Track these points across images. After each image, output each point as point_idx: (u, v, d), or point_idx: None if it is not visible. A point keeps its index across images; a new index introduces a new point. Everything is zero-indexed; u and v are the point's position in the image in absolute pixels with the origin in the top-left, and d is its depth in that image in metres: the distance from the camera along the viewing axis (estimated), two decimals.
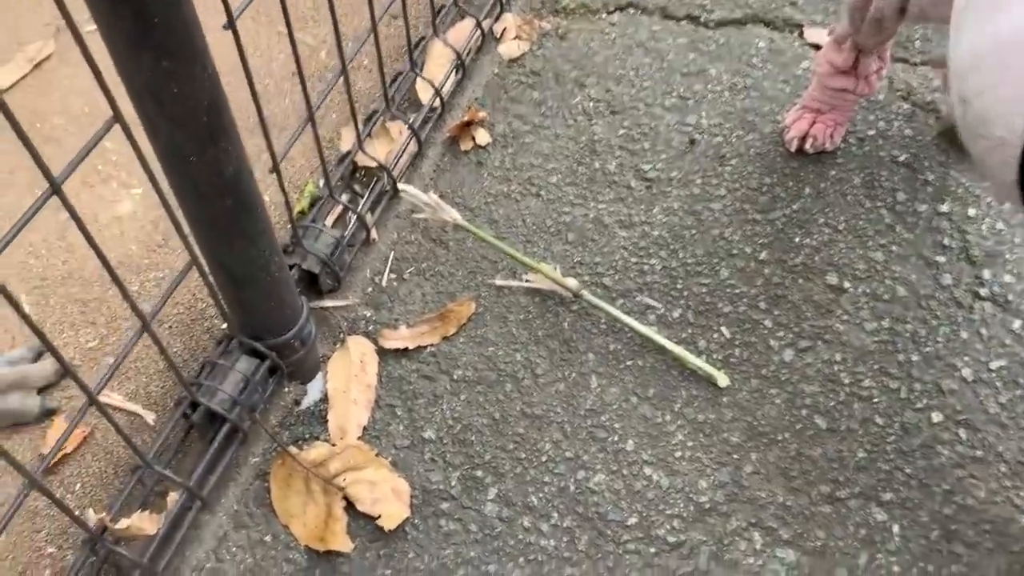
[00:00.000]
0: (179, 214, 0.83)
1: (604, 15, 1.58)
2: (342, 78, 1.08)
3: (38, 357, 1.14)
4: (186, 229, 0.84)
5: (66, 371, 0.71)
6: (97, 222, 1.30)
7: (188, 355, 1.15)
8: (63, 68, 1.54)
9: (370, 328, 1.18)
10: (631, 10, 1.58)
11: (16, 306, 0.65)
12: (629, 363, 1.13)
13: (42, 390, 1.11)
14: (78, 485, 1.05)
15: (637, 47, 1.52)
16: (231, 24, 0.80)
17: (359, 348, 1.15)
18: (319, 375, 1.13)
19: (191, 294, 1.22)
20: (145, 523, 0.91)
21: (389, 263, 1.25)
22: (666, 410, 1.09)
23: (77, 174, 1.45)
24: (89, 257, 1.25)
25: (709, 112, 1.40)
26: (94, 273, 1.24)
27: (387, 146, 1.27)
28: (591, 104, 1.43)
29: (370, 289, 1.22)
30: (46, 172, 0.63)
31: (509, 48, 1.51)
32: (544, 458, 1.06)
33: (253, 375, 1.00)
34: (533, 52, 1.52)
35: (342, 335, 1.17)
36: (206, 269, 0.88)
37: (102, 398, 1.10)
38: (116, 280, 0.76)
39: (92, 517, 0.96)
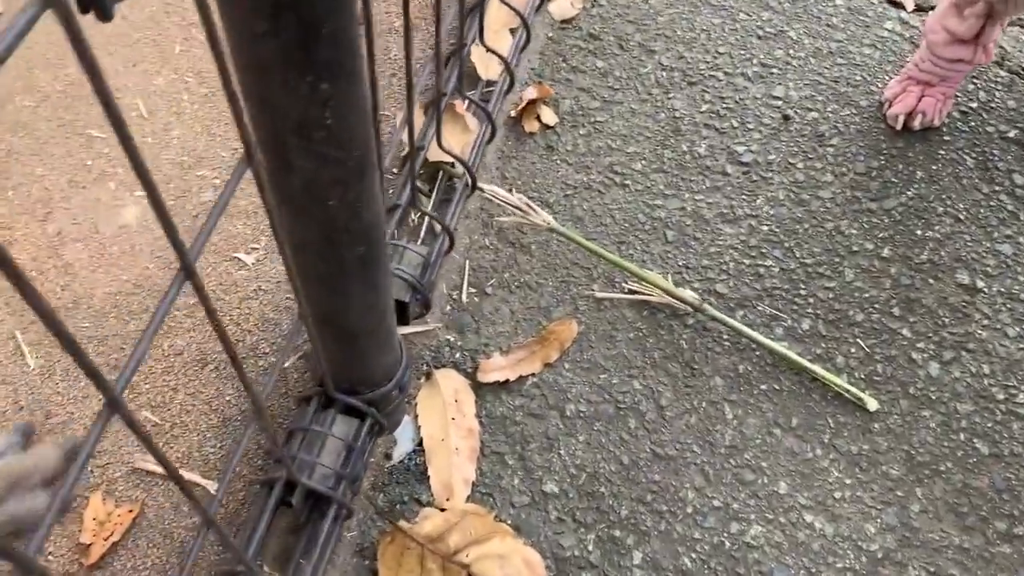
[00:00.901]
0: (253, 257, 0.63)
1: None
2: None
3: (29, 439, 0.90)
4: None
5: (139, 437, 0.51)
6: (99, 234, 1.06)
7: (241, 405, 0.95)
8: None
9: (457, 356, 1.00)
10: None
11: (134, 426, 0.45)
12: (764, 387, 0.99)
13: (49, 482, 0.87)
14: None
15: (703, 4, 1.34)
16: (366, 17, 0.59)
17: (450, 383, 0.97)
18: (406, 419, 0.95)
19: (232, 320, 1.01)
20: None
21: (467, 275, 1.06)
22: (815, 442, 0.96)
23: (63, 175, 1.19)
24: (96, 281, 1.02)
25: (797, 82, 1.25)
26: (107, 301, 1.01)
27: (455, 135, 1.07)
28: (664, 74, 1.26)
29: (449, 308, 1.04)
30: (179, 248, 0.43)
31: (561, 6, 1.31)
32: (689, 509, 0.92)
33: (354, 440, 0.82)
34: (587, 11, 1.33)
35: (426, 367, 0.99)
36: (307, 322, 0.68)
37: (144, 466, 0.90)
38: (241, 374, 0.56)
39: None
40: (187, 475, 0.89)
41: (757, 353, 1.01)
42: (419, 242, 1.02)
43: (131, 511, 0.87)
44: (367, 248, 0.66)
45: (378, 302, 0.72)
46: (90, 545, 0.85)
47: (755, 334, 1.00)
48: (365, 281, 0.69)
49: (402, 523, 0.87)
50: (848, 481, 0.93)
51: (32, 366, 0.97)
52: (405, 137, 0.92)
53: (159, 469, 0.90)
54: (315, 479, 0.79)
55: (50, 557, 0.85)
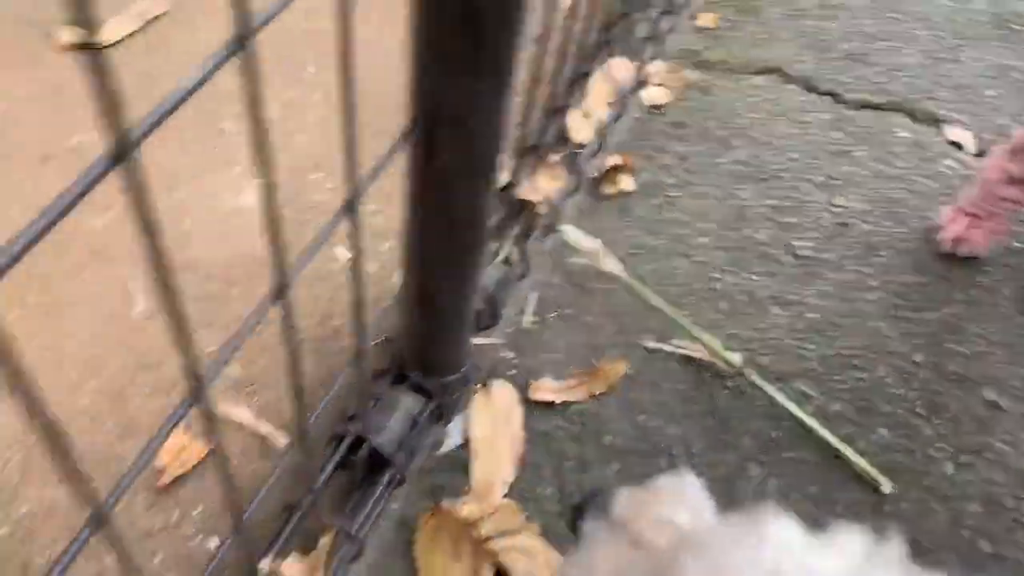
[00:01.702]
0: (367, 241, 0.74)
1: (747, 76, 1.53)
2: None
3: None
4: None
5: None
6: (217, 211, 1.19)
7: (321, 377, 1.05)
8: (176, 28, 1.43)
9: (512, 373, 1.10)
10: (774, 75, 1.54)
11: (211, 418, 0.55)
12: (790, 455, 1.07)
13: None
14: (199, 507, 0.93)
15: (781, 115, 1.47)
16: None
17: (503, 394, 1.06)
18: (457, 418, 1.04)
19: (320, 312, 1.11)
20: (304, 570, 0.80)
21: (532, 305, 1.16)
22: (827, 512, 1.03)
23: (188, 156, 1.34)
24: (211, 249, 1.14)
25: (857, 196, 1.36)
26: (217, 269, 1.13)
27: (544, 181, 1.19)
28: (738, 167, 1.38)
29: (511, 330, 1.14)
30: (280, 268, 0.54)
31: (652, 94, 1.45)
32: None
33: (419, 415, 0.91)
34: (677, 102, 1.46)
35: (484, 376, 1.08)
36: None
37: (226, 413, 0.99)
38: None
39: (212, 545, 0.86)
40: (262, 427, 0.99)
41: (787, 424, 1.09)
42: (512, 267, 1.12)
43: (205, 448, 0.97)
44: (476, 239, 0.76)
45: (469, 292, 0.83)
46: (164, 470, 0.94)
47: (790, 404, 1.08)
48: (469, 264, 0.80)
49: (444, 503, 0.95)
50: None
51: (139, 309, 1.08)
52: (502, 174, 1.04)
53: (241, 419, 1.00)
54: (381, 441, 0.88)
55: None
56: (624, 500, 0.56)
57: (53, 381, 1.01)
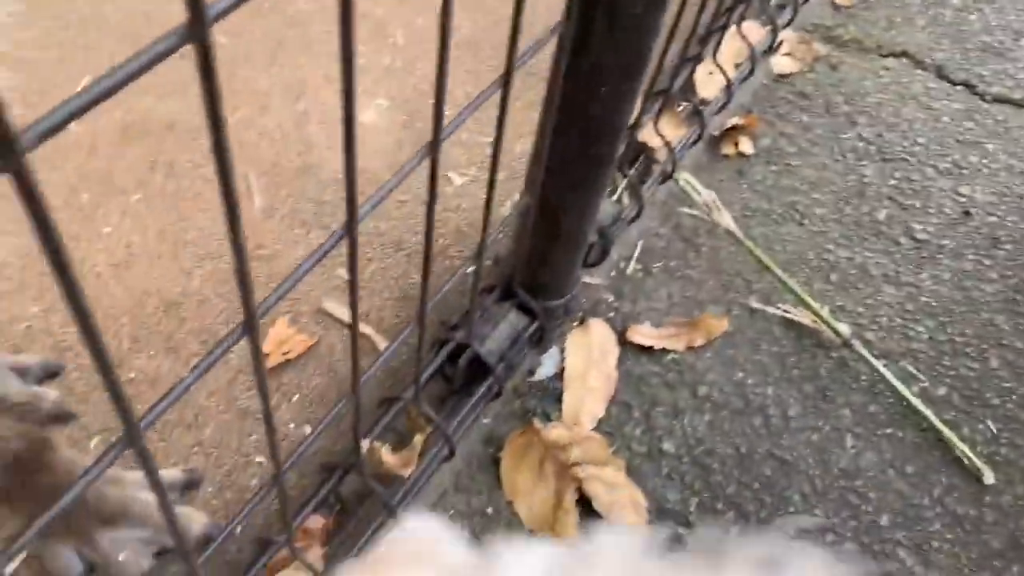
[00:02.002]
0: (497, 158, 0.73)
1: (878, 57, 1.48)
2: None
3: (47, 375, 0.94)
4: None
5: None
6: (338, 124, 1.21)
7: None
8: None
9: (611, 315, 1.09)
10: (905, 59, 1.49)
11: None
12: (888, 431, 1.03)
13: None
14: (296, 396, 0.95)
15: (911, 99, 1.42)
16: None
17: (600, 331, 1.06)
18: (553, 348, 1.04)
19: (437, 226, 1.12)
20: (397, 462, 0.81)
21: (637, 252, 1.15)
22: (925, 493, 0.99)
23: (319, 69, 1.36)
24: (326, 159, 1.16)
25: (984, 188, 1.30)
26: (332, 176, 1.14)
27: (667, 128, 1.17)
28: (861, 144, 1.34)
29: (614, 273, 1.13)
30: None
31: (781, 64, 1.41)
32: (791, 509, 0.96)
33: (522, 332, 0.91)
34: (804, 73, 1.43)
35: (582, 313, 1.07)
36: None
37: (331, 312, 1.01)
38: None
39: (306, 432, 0.88)
40: (363, 328, 1.00)
41: (889, 401, 1.05)
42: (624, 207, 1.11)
43: (307, 342, 0.98)
44: (610, 152, 0.76)
45: (591, 213, 0.82)
46: (267, 355, 0.96)
47: (896, 381, 1.05)
48: (592, 185, 0.79)
49: (535, 422, 0.95)
50: (948, 536, 0.96)
51: (257, 205, 1.10)
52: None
53: (338, 314, 1.01)
54: (484, 350, 0.88)
55: (231, 354, 0.97)
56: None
57: (169, 263, 1.04)
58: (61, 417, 0.90)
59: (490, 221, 0.71)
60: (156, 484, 0.49)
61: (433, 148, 0.53)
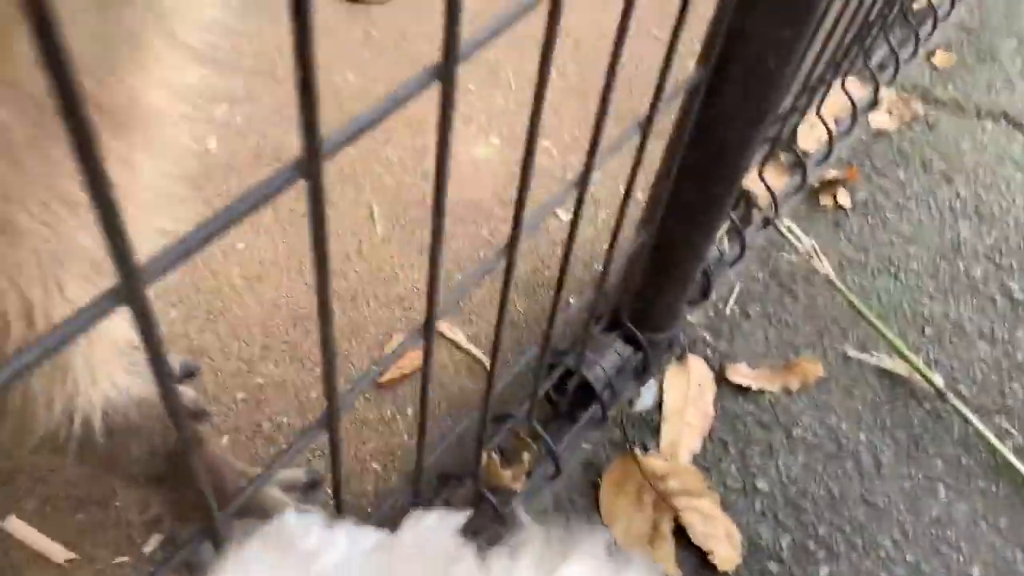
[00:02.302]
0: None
1: (976, 118, 1.51)
2: None
3: (185, 375, 1.01)
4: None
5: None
6: (454, 158, 1.28)
7: (530, 316, 1.12)
8: None
9: (707, 353, 1.13)
10: (1004, 121, 1.51)
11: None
12: (981, 484, 1.04)
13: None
14: (409, 409, 1.01)
15: (1009, 160, 1.44)
16: None
17: (699, 370, 1.09)
18: (652, 382, 1.08)
19: (536, 262, 1.18)
20: (509, 475, 0.86)
21: (735, 294, 1.19)
22: (1017, 547, 1.00)
23: (436, 108, 1.44)
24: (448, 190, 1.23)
25: None
26: (449, 207, 1.21)
27: (769, 176, 1.22)
28: (958, 203, 1.36)
29: (712, 314, 1.17)
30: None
31: (880, 120, 1.45)
32: (882, 554, 0.98)
33: (627, 362, 0.95)
34: (901, 131, 1.46)
35: (681, 351, 1.12)
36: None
37: (443, 332, 1.07)
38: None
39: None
40: (472, 349, 1.06)
41: (982, 455, 1.07)
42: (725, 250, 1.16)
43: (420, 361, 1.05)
44: (726, 193, 0.81)
45: (703, 251, 0.87)
46: (385, 370, 1.02)
47: (990, 435, 1.06)
48: (708, 224, 0.84)
49: (635, 452, 0.99)
50: None
51: (379, 231, 1.18)
52: None
53: (456, 339, 1.07)
54: (592, 376, 0.93)
55: (351, 363, 1.04)
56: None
57: (296, 280, 1.12)
58: (197, 415, 0.97)
59: (609, 256, 0.76)
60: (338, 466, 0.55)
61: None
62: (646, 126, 0.65)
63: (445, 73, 0.36)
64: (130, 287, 0.27)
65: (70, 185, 0.49)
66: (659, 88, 0.62)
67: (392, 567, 0.33)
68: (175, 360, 1.00)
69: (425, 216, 1.20)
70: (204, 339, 1.05)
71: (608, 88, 0.53)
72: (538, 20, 0.41)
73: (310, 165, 0.32)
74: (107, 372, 0.67)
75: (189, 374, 1.01)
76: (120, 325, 0.65)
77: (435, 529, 0.35)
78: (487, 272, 0.58)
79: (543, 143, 1.33)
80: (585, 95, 1.42)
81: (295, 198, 1.20)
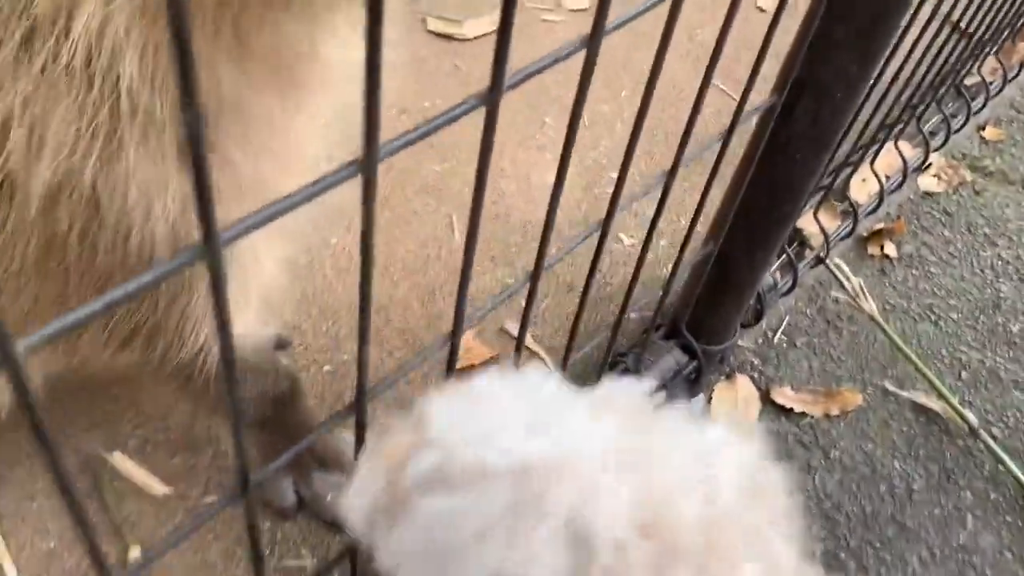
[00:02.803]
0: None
1: (1021, 189, 1.59)
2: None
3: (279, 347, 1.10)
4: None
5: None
6: (527, 181, 1.39)
7: (589, 325, 1.21)
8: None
9: (755, 375, 1.20)
10: None
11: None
12: (1008, 519, 1.10)
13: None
14: None
15: None
16: None
17: (746, 388, 1.17)
18: (700, 395, 1.16)
19: (601, 275, 1.28)
20: None
21: (783, 325, 1.27)
22: None
23: (515, 136, 1.58)
24: (519, 209, 1.34)
25: None
26: (519, 223, 1.32)
27: (824, 218, 1.31)
28: (1000, 263, 1.43)
29: (761, 341, 1.25)
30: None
31: (928, 182, 1.54)
32: (909, 570, 1.04)
33: (682, 369, 1.04)
34: (948, 194, 1.54)
35: (729, 370, 1.20)
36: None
37: (509, 330, 1.17)
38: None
39: None
40: (536, 348, 1.16)
41: (1011, 492, 1.13)
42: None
43: (487, 353, 1.14)
44: (790, 212, 0.90)
45: (762, 269, 0.96)
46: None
47: (1019, 473, 1.12)
48: (770, 242, 0.93)
49: None
50: None
51: (456, 239, 1.29)
52: None
53: (515, 333, 1.16)
54: (649, 377, 1.01)
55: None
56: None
57: (381, 274, 1.22)
58: (283, 344, 1.08)
59: (677, 264, 0.86)
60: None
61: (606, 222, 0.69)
62: (727, 137, 0.75)
63: (489, 100, 0.45)
64: (212, 247, 0.35)
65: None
66: (739, 108, 0.72)
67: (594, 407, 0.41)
68: (271, 332, 1.10)
69: (498, 230, 1.31)
70: (298, 318, 1.15)
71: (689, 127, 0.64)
72: (608, 66, 0.51)
73: (367, 164, 0.41)
74: (238, 313, 0.77)
75: (282, 346, 1.11)
76: (267, 278, 0.76)
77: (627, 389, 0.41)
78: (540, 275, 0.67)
79: (610, 174, 1.44)
80: (651, 132, 1.53)
81: (381, 205, 1.32)
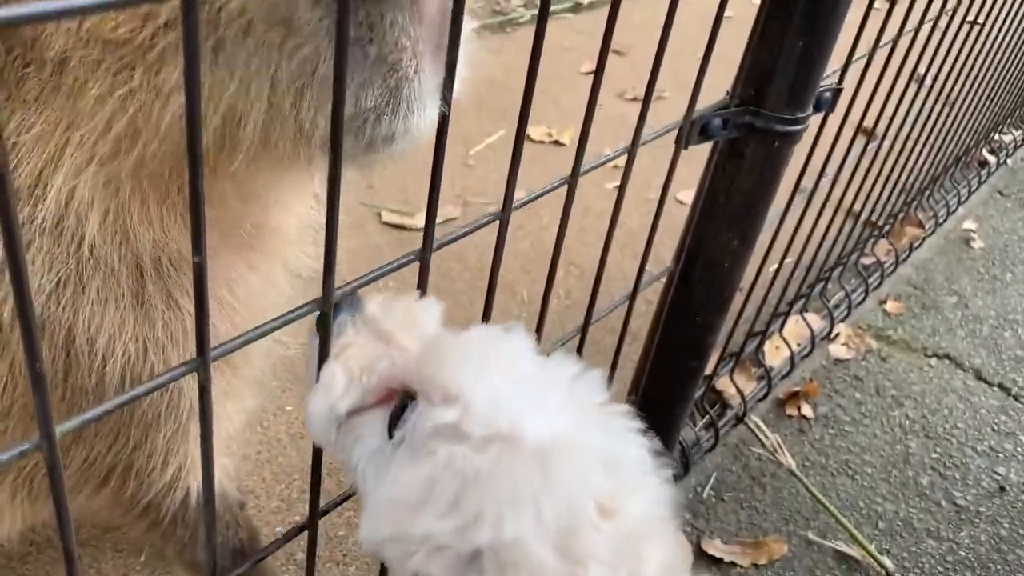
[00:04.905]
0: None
1: (923, 355, 1.75)
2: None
3: None
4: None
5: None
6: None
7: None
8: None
9: (687, 528, 1.28)
10: (947, 360, 1.75)
11: None
12: None
13: None
14: None
15: (952, 392, 1.66)
16: None
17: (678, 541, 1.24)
18: None
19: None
20: None
21: (711, 481, 1.36)
22: None
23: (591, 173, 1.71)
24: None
25: (1019, 470, 1.49)
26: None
27: (740, 382, 1.43)
28: (907, 421, 1.56)
29: (691, 495, 1.34)
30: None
31: (838, 350, 1.69)
32: None
33: None
34: (857, 360, 1.69)
35: None
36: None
37: None
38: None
39: None
40: None
41: None
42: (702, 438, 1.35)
43: None
44: (697, 366, 1.02)
45: (679, 413, 1.07)
46: None
47: None
48: (682, 392, 1.05)
49: None
50: None
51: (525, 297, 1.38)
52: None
53: None
54: None
55: None
56: (376, 305, 0.58)
57: None
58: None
59: None
60: None
61: None
62: (632, 296, 0.88)
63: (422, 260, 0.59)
64: (204, 361, 0.46)
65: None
66: (640, 273, 0.86)
67: None
68: (235, 487, 1.16)
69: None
70: (252, 481, 1.22)
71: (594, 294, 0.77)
72: (545, 254, 0.65)
73: (325, 300, 0.53)
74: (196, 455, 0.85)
75: (239, 506, 1.17)
76: (228, 424, 0.84)
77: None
78: None
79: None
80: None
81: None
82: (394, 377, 0.54)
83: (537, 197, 0.69)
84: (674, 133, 0.80)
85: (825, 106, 0.93)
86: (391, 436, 0.51)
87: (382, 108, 0.52)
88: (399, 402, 0.53)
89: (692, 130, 0.80)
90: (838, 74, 0.98)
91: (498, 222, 0.65)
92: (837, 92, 0.93)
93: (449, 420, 0.46)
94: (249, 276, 0.74)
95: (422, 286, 0.60)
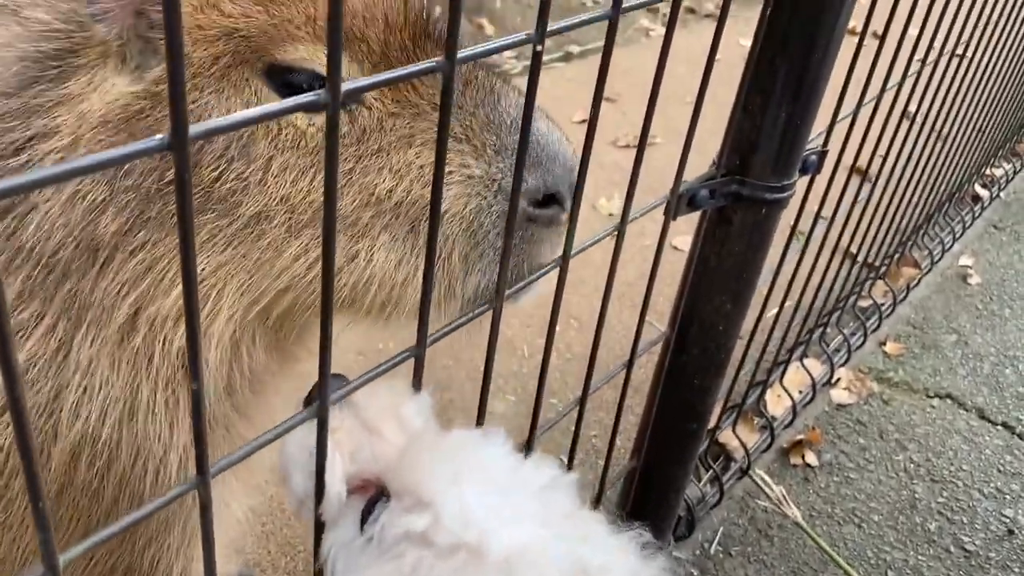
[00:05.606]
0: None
1: (925, 396, 1.75)
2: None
3: None
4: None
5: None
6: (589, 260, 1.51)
7: None
8: None
9: None
10: (949, 400, 1.75)
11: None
12: None
13: None
14: None
15: (956, 433, 1.66)
16: None
17: None
18: None
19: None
20: None
21: (718, 536, 1.36)
22: None
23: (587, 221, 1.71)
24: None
25: None
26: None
27: (743, 434, 1.43)
28: (912, 466, 1.56)
29: (698, 552, 1.33)
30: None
31: (840, 395, 1.69)
32: None
33: None
34: (859, 405, 1.69)
35: None
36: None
37: None
38: None
39: None
40: None
41: None
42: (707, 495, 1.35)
43: None
44: (698, 428, 1.03)
45: (682, 475, 1.07)
46: None
47: None
48: (684, 454, 1.05)
49: None
50: None
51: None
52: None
53: None
54: None
55: None
56: (363, 394, 0.59)
57: None
58: None
59: (602, 484, 0.97)
60: None
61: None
62: (629, 365, 0.89)
63: (417, 351, 0.60)
64: (204, 480, 0.48)
65: None
66: (636, 340, 0.87)
67: None
68: (234, 568, 1.16)
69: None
70: (258, 553, 1.22)
71: (595, 346, 0.78)
72: (544, 307, 0.66)
73: (321, 402, 0.55)
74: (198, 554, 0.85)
75: None
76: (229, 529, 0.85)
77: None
78: None
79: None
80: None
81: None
82: (372, 472, 0.56)
83: (531, 282, 0.70)
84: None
85: (811, 169, 0.95)
86: (362, 530, 0.53)
87: None
88: (374, 495, 0.55)
89: (680, 202, 0.82)
90: (823, 136, 1.00)
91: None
92: (823, 155, 0.95)
93: (419, 528, 0.47)
94: (256, 417, 0.78)
95: (417, 383, 0.61)
